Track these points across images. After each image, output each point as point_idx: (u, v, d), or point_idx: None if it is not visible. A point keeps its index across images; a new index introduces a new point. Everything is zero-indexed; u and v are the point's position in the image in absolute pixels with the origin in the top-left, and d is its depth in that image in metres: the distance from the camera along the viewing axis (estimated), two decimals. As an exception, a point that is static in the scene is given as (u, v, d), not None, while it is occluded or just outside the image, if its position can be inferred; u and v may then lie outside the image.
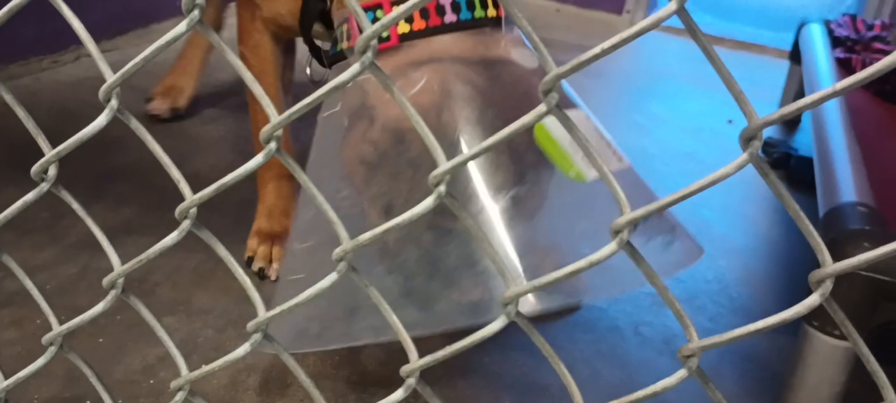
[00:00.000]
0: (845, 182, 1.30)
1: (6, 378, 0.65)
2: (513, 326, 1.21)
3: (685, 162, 2.29)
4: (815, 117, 1.68)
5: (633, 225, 0.46)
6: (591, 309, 1.51)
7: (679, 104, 2.75)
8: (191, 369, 1.23)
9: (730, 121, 2.56)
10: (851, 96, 1.77)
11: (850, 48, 2.11)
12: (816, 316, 1.15)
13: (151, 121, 2.01)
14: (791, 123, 2.56)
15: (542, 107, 0.45)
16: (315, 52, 1.38)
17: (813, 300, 0.44)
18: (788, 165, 2.18)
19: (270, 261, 1.49)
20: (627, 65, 3.17)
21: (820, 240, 0.45)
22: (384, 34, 1.03)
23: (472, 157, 0.46)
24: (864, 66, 1.93)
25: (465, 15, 1.06)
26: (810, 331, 1.15)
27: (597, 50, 0.42)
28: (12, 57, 2.25)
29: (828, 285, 0.44)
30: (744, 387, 1.35)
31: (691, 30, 0.42)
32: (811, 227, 0.45)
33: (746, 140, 0.43)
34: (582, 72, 2.86)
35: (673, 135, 2.44)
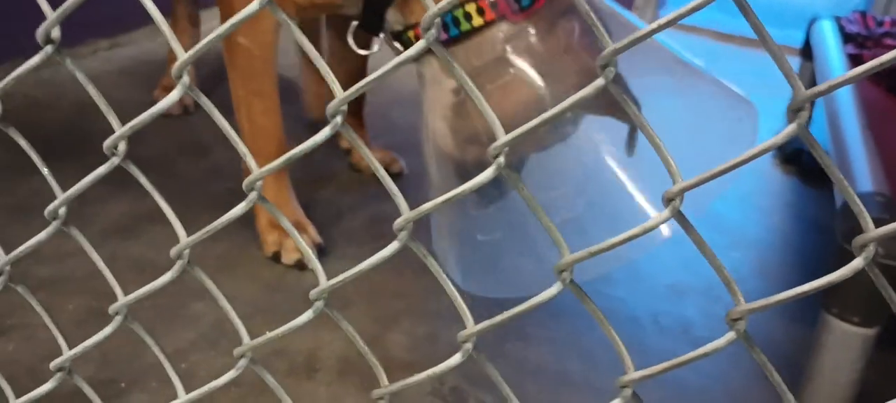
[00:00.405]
0: (861, 171, 1.32)
1: (69, 348, 0.67)
2: (534, 314, 1.24)
3: (695, 156, 2.31)
4: (828, 111, 1.70)
5: (683, 193, 0.49)
6: (610, 299, 1.54)
7: (689, 99, 2.77)
8: (220, 354, 1.26)
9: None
10: (864, 92, 1.79)
11: (861, 44, 2.13)
12: (836, 304, 1.17)
13: (165, 117, 2.04)
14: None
15: (600, 81, 0.47)
16: (372, 25, 1.34)
17: (857, 263, 0.47)
18: (801, 160, 2.20)
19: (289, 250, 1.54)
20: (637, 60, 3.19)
21: (863, 207, 0.47)
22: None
23: (527, 129, 0.49)
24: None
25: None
26: (829, 318, 1.17)
27: (654, 26, 0.45)
28: (30, 51, 2.28)
29: (871, 249, 0.47)
30: (762, 375, 1.37)
31: (742, 7, 0.45)
32: (852, 192, 0.47)
33: (794, 111, 0.46)
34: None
35: (683, 129, 2.46)
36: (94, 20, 2.41)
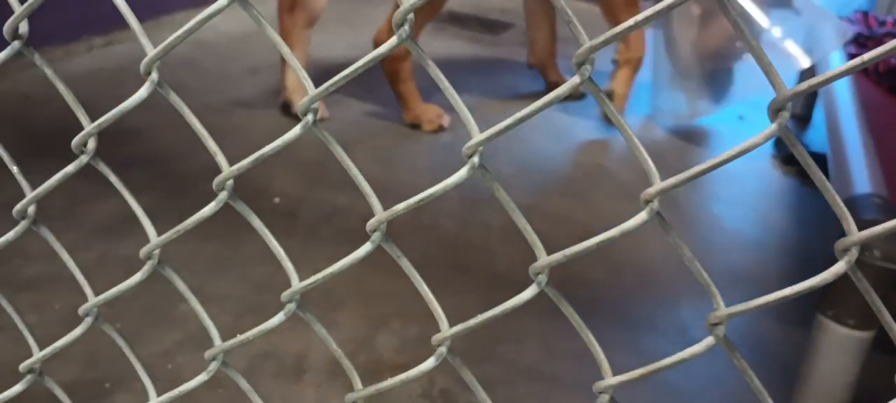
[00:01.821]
0: (859, 173, 1.30)
1: (40, 350, 0.66)
2: (526, 317, 1.22)
3: (695, 153, 2.29)
4: (828, 110, 1.68)
5: (660, 194, 0.47)
6: (604, 301, 1.52)
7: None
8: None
9: (741, 117, 2.56)
10: (864, 92, 1.77)
11: (862, 44, 2.11)
12: (830, 306, 1.15)
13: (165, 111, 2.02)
14: (803, 119, 2.56)
15: (576, 78, 0.46)
16: None
17: (839, 267, 0.45)
18: (800, 162, 2.18)
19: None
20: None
21: (845, 209, 0.46)
22: None
23: (504, 129, 0.47)
24: (877, 62, 1.93)
25: None
26: (824, 321, 1.15)
27: (631, 21, 0.43)
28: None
29: (854, 253, 0.45)
30: (757, 377, 1.36)
31: (722, 6, 0.43)
32: (836, 195, 0.46)
33: (775, 111, 0.44)
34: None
35: (684, 126, 2.44)
36: (90, 17, 2.40)
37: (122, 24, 2.54)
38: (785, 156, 2.23)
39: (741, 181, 2.09)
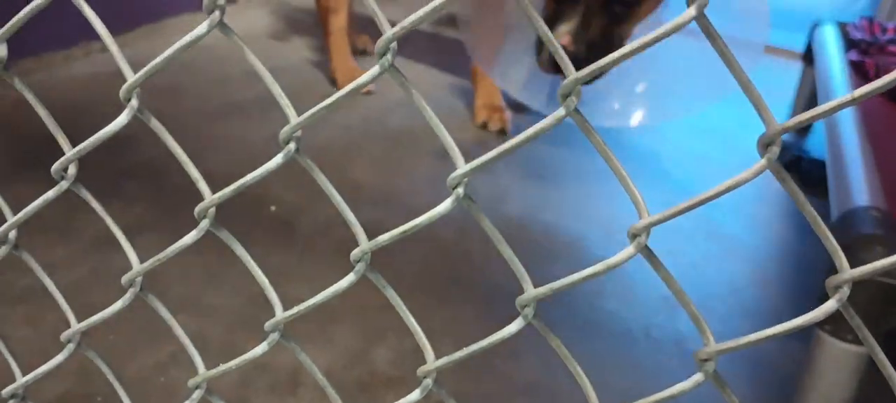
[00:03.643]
0: (858, 186, 1.29)
1: (23, 374, 0.65)
2: (524, 332, 1.20)
3: (698, 164, 2.28)
4: (827, 120, 1.67)
5: (649, 229, 0.46)
6: (602, 311, 1.51)
7: (690, 106, 2.75)
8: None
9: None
10: (866, 103, 1.77)
11: (864, 51, 2.10)
12: (829, 321, 1.14)
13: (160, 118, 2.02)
14: (803, 128, 2.55)
15: (561, 111, 0.45)
16: None
17: (830, 306, 0.44)
18: (800, 168, 2.17)
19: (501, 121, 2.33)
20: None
21: (837, 245, 0.45)
22: None
23: (493, 159, 0.47)
24: (877, 69, 1.92)
25: None
26: (823, 336, 1.14)
27: (636, 44, 0.43)
28: (25, 52, 2.27)
29: (845, 290, 0.44)
30: (756, 392, 1.35)
31: (709, 34, 0.42)
32: (828, 232, 0.45)
33: (765, 146, 0.43)
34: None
35: (685, 137, 2.43)
36: (88, 23, 2.39)
37: (119, 29, 2.53)
38: (784, 162, 2.21)
39: (741, 189, 2.07)
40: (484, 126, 2.36)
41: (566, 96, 0.44)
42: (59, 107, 1.98)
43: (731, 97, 2.76)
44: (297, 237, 1.63)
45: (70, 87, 2.20)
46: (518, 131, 1.71)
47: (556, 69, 2.05)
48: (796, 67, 2.60)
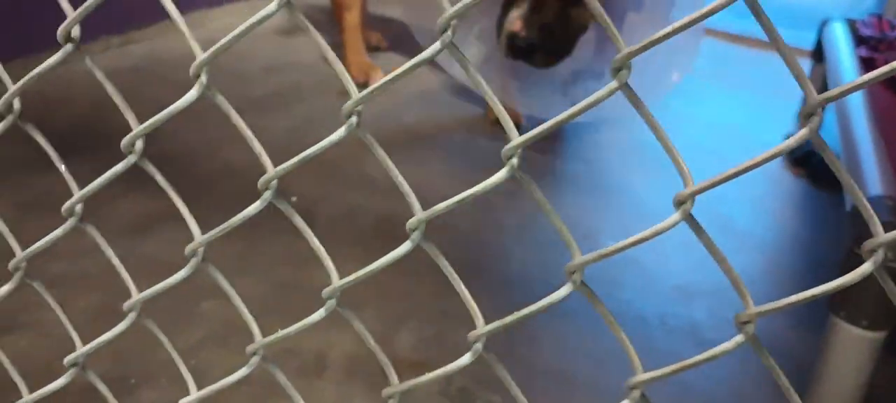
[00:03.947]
0: (872, 176, 1.32)
1: (83, 344, 0.68)
2: (543, 317, 1.23)
3: (708, 159, 2.31)
4: (839, 114, 1.70)
5: (693, 196, 0.49)
6: (618, 300, 1.54)
7: (702, 101, 2.77)
8: (230, 352, 1.27)
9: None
10: (875, 98, 1.79)
11: (874, 47, 2.12)
12: (845, 307, 1.17)
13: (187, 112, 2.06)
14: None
15: (614, 84, 0.48)
16: None
17: (865, 268, 0.47)
18: (811, 163, 2.20)
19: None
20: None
21: (873, 212, 0.47)
22: None
23: (545, 131, 0.49)
24: (887, 65, 1.95)
25: None
26: (837, 321, 1.17)
27: (669, 29, 0.45)
28: (43, 47, 2.29)
29: (880, 254, 0.47)
30: (770, 378, 1.37)
31: (755, 11, 0.45)
32: (863, 199, 0.47)
33: (806, 116, 0.46)
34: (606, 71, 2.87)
35: (696, 132, 2.46)
36: (107, 17, 2.43)
37: (139, 23, 2.56)
38: (795, 158, 2.24)
39: (751, 182, 2.11)
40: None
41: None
42: (80, 102, 2.01)
43: (742, 94, 2.80)
44: (318, 225, 1.66)
45: (92, 82, 2.22)
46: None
47: (516, 54, 1.96)
48: (806, 65, 2.62)
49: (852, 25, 2.37)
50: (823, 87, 2.46)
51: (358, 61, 2.51)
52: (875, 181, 1.31)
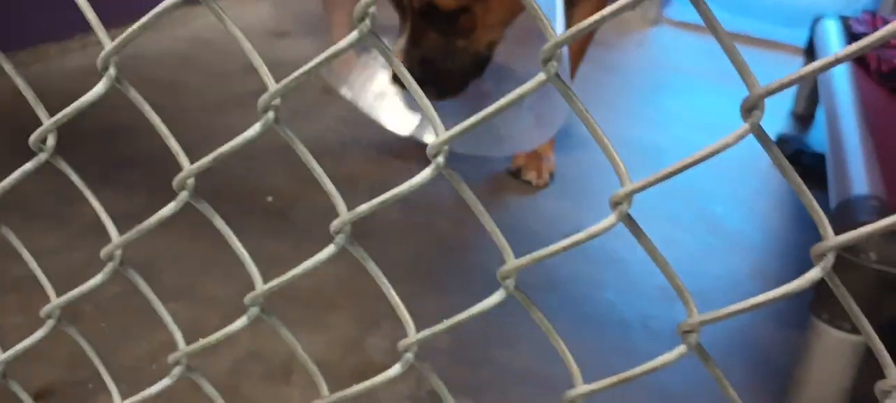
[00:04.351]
0: (857, 174, 1.28)
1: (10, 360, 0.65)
2: (520, 319, 1.19)
3: (667, 158, 2.27)
4: (828, 111, 1.66)
5: (631, 197, 0.46)
6: (599, 302, 1.50)
7: (692, 99, 2.73)
8: (193, 356, 1.24)
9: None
10: (865, 92, 1.75)
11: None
12: (826, 309, 1.13)
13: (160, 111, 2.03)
14: (804, 120, 2.54)
15: (541, 75, 0.44)
16: None
17: (814, 274, 0.43)
18: (801, 162, 2.16)
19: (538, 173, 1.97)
20: (640, 60, 3.15)
21: (822, 214, 0.44)
22: None
23: (466, 129, 0.46)
24: (879, 62, 1.91)
25: None
26: (819, 324, 1.14)
27: (596, 16, 0.42)
28: (21, 44, 2.26)
29: (829, 258, 0.44)
30: (752, 380, 1.34)
31: (695, 2, 0.42)
32: (814, 201, 0.44)
33: (747, 110, 0.43)
34: (595, 67, 2.84)
35: (685, 130, 2.42)
36: (83, 15, 2.40)
37: (116, 22, 2.52)
38: (787, 157, 2.20)
39: (741, 182, 2.07)
40: (517, 174, 2.02)
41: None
42: (57, 98, 1.98)
43: (733, 92, 2.76)
44: (293, 226, 1.63)
45: (67, 79, 2.20)
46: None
47: (402, 86, 1.79)
48: (798, 62, 2.59)
49: (845, 22, 2.33)
50: (815, 85, 2.42)
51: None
52: (861, 180, 1.27)
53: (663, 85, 2.91)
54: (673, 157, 2.23)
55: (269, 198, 1.70)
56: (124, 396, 1.14)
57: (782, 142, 2.27)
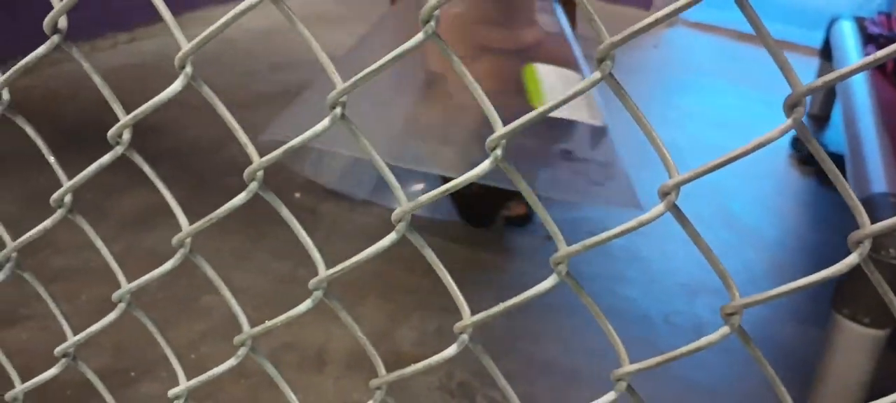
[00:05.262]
0: (876, 173, 1.31)
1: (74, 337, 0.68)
2: (543, 313, 1.23)
3: (715, 155, 2.30)
4: (846, 111, 1.69)
5: (678, 188, 0.49)
6: (622, 298, 1.53)
7: (708, 99, 2.76)
8: (231, 346, 1.27)
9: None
10: (882, 93, 1.78)
11: (882, 45, 2.11)
12: (847, 305, 1.16)
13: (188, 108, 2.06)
14: (821, 120, 2.56)
15: (596, 74, 0.48)
16: None
17: (851, 259, 0.46)
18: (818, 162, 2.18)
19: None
20: (658, 60, 3.18)
21: (858, 202, 0.47)
22: None
23: (526, 124, 0.49)
24: (895, 63, 1.93)
25: None
26: (840, 319, 1.16)
27: (652, 18, 0.45)
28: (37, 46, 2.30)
29: (866, 245, 0.46)
30: (774, 373, 1.36)
31: (741, 4, 0.45)
32: (850, 190, 0.47)
33: (790, 107, 0.45)
34: (614, 68, 2.86)
35: (702, 129, 2.45)
36: (115, 14, 2.44)
37: (146, 20, 2.57)
38: (803, 156, 2.23)
39: (759, 180, 2.09)
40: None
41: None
42: (88, 96, 2.02)
43: (749, 92, 2.78)
44: (322, 222, 1.67)
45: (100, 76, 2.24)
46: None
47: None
48: (814, 63, 2.61)
49: (861, 23, 2.35)
50: (831, 87, 2.44)
51: None
52: (880, 177, 1.30)
53: (679, 85, 2.94)
54: (691, 155, 2.26)
55: (297, 195, 1.74)
56: (166, 383, 1.18)
57: (799, 142, 2.29)
